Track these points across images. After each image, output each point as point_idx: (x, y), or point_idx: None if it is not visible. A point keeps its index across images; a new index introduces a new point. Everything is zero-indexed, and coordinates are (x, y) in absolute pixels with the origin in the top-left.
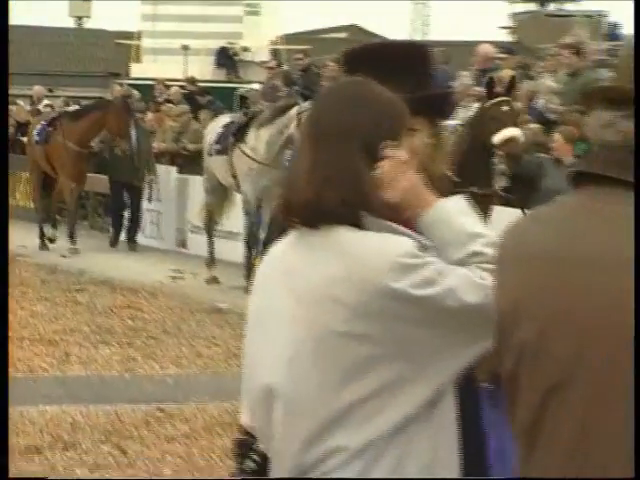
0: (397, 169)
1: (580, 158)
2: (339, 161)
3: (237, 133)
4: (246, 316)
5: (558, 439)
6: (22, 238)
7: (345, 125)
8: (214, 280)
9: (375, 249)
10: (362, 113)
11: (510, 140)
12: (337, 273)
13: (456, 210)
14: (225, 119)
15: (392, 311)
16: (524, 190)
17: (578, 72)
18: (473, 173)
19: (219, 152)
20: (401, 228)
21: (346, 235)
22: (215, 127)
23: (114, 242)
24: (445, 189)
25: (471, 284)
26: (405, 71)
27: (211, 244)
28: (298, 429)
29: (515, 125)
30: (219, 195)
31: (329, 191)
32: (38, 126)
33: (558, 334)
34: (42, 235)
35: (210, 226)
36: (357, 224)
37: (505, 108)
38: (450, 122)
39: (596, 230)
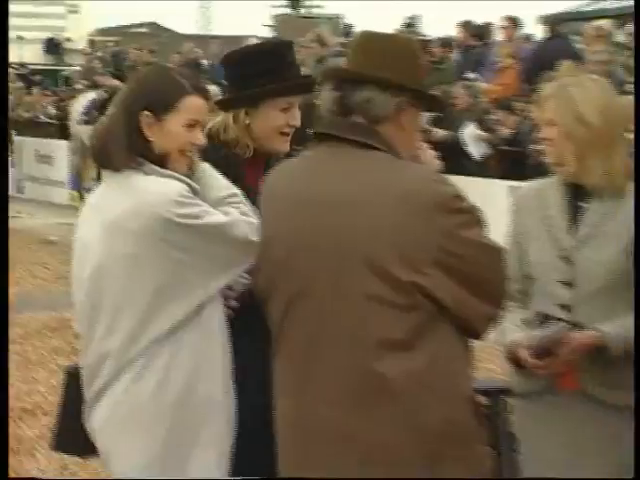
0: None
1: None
2: (112, 122)
3: (100, 108)
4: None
5: (293, 345)
6: None
7: (121, 96)
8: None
9: (156, 189)
10: (131, 89)
11: None
12: (128, 208)
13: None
14: (91, 95)
15: (167, 237)
16: None
17: (322, 59)
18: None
19: (86, 122)
20: (177, 174)
21: (135, 179)
22: (82, 101)
23: None
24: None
25: (227, 220)
26: (266, 64)
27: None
28: (92, 331)
29: None
30: (85, 155)
31: (103, 143)
32: None
33: (298, 257)
34: None
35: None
36: (142, 170)
37: None
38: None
39: (327, 177)
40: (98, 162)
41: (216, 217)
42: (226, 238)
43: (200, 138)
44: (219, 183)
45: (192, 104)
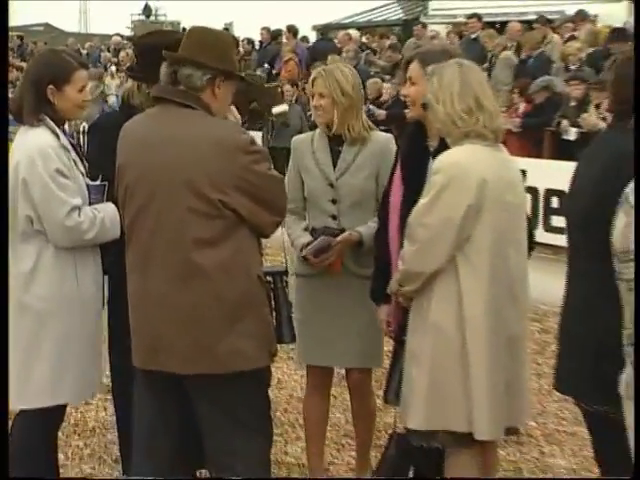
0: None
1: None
2: (23, 92)
3: None
4: None
5: (139, 242)
6: None
7: (29, 72)
8: None
9: (34, 141)
10: (36, 67)
11: (283, 113)
12: (23, 155)
13: None
14: None
15: (26, 179)
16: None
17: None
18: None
19: None
20: (63, 137)
21: (30, 130)
22: None
23: None
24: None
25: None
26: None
27: None
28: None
29: (283, 102)
30: None
31: (18, 106)
32: None
33: (142, 181)
34: None
35: None
36: (42, 124)
37: (279, 89)
38: None
39: (162, 126)
40: (15, 118)
41: (62, 192)
42: (52, 205)
43: (88, 95)
44: None
45: (81, 76)
